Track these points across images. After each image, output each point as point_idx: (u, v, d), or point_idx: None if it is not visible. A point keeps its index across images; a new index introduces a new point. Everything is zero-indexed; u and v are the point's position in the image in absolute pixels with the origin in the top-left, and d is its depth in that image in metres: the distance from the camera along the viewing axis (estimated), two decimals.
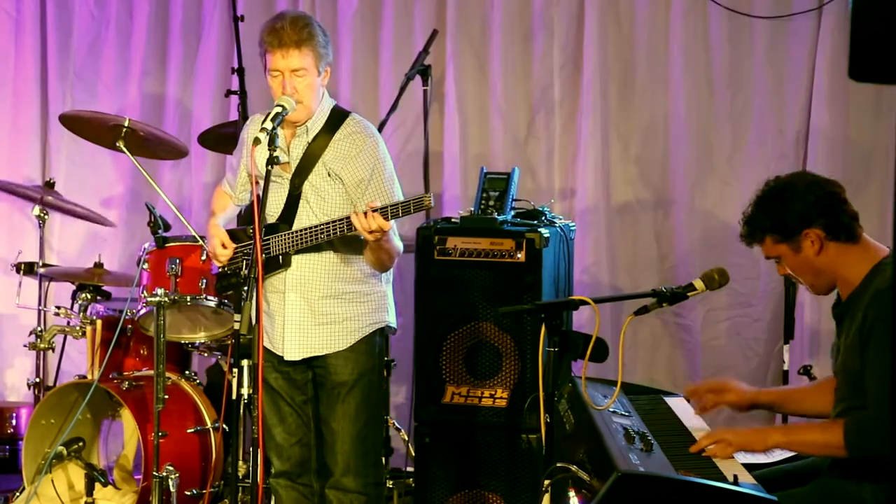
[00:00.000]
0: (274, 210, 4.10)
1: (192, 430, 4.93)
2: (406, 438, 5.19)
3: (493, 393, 4.42)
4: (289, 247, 4.03)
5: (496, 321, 4.40)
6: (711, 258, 5.40)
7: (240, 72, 5.52)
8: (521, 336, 4.37)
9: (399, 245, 4.09)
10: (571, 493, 3.24)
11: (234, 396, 3.60)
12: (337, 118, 4.12)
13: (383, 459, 4.71)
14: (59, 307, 5.27)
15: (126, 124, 4.96)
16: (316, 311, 4.10)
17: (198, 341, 5.03)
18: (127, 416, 4.96)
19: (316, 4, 6.06)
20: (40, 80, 6.48)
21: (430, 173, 5.22)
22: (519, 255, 4.39)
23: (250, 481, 3.82)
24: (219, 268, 4.20)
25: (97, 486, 4.79)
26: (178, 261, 4.69)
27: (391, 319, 4.26)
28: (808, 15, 5.45)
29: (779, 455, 3.66)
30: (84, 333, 5.08)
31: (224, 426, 4.94)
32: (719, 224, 5.60)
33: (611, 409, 3.41)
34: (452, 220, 4.60)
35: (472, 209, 4.59)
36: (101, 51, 6.41)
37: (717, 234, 5.59)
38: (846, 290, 3.34)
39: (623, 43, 5.70)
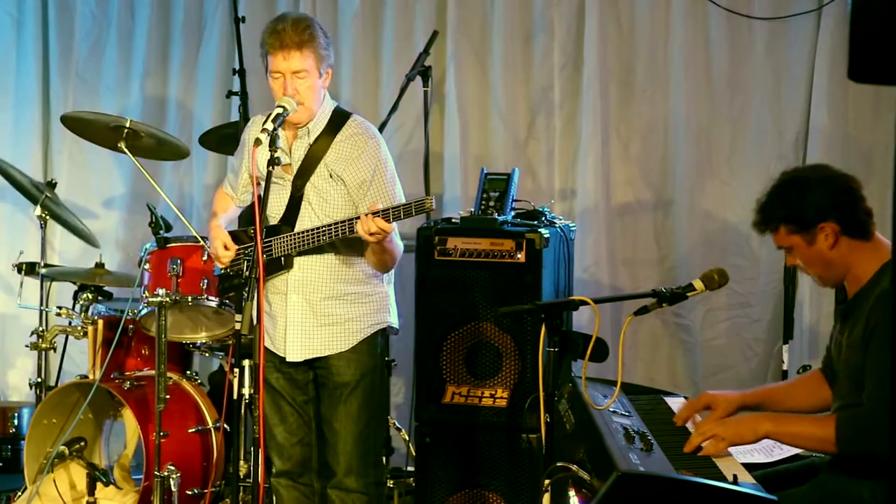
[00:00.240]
0: (276, 211, 4.10)
1: (194, 429, 4.93)
2: (406, 438, 5.19)
3: (493, 393, 4.42)
4: (290, 248, 4.03)
5: (496, 321, 4.40)
6: (711, 258, 5.41)
7: (241, 73, 5.53)
8: (521, 336, 4.38)
9: (400, 246, 4.09)
10: (571, 493, 3.24)
11: (235, 396, 3.61)
12: (338, 119, 4.12)
13: (384, 459, 4.71)
14: (60, 307, 5.27)
15: (127, 125, 4.96)
16: (318, 313, 4.10)
17: (199, 341, 5.03)
18: (128, 416, 4.96)
19: (317, 5, 6.07)
20: (42, 81, 6.48)
21: (431, 174, 5.23)
22: (519, 256, 4.39)
23: (251, 481, 3.81)
24: (221, 269, 4.20)
25: (99, 485, 4.79)
26: (179, 261, 4.69)
27: (393, 320, 4.26)
28: (807, 16, 5.45)
29: (779, 455, 3.66)
30: (85, 333, 5.08)
31: (225, 426, 4.94)
32: (719, 224, 5.60)
33: (611, 409, 3.41)
34: (453, 220, 4.60)
35: (473, 210, 4.59)
36: (103, 52, 6.42)
37: (717, 235, 5.60)
38: (854, 288, 3.34)
39: (623, 44, 5.70)
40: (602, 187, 5.67)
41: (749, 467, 3.28)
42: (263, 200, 3.74)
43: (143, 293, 4.76)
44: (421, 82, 5.13)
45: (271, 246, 4.05)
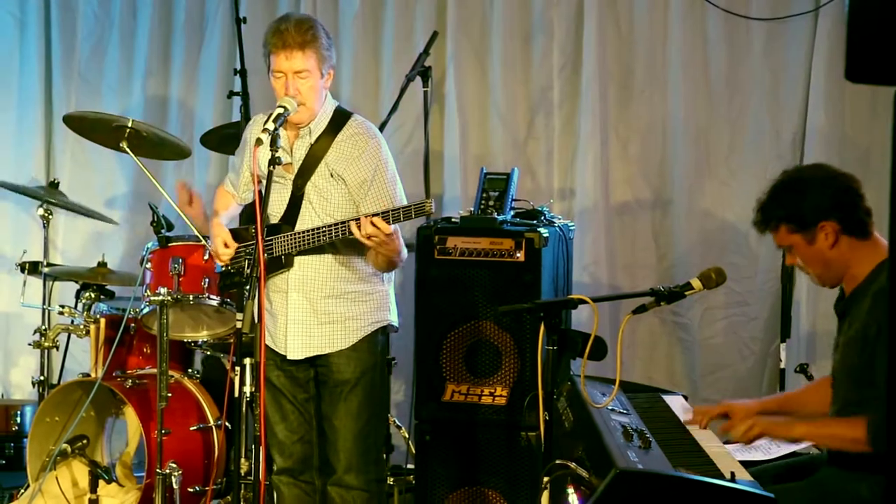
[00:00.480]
0: (276, 210, 4.10)
1: (195, 427, 4.93)
2: (406, 436, 5.20)
3: (492, 391, 4.42)
4: (291, 247, 4.04)
5: (496, 320, 4.40)
6: (709, 258, 5.41)
7: (242, 73, 5.53)
8: (520, 335, 4.38)
9: (403, 248, 4.08)
10: (570, 490, 3.24)
11: (236, 394, 3.61)
12: (340, 119, 4.12)
13: (384, 456, 4.71)
14: (63, 306, 5.27)
15: (129, 125, 4.96)
16: (318, 311, 4.10)
17: (200, 340, 5.03)
18: (130, 414, 4.96)
19: (318, 6, 6.07)
20: (44, 81, 6.48)
21: (431, 173, 5.22)
22: (518, 255, 4.39)
23: (252, 478, 3.82)
24: (222, 266, 4.20)
25: (101, 483, 4.79)
26: (180, 260, 4.69)
27: (393, 318, 4.26)
28: (804, 17, 5.45)
29: (776, 452, 3.66)
30: (88, 332, 5.08)
31: (227, 424, 4.94)
32: (717, 224, 5.60)
33: (609, 407, 3.41)
34: (452, 219, 4.60)
35: (472, 209, 4.59)
36: (105, 52, 6.42)
37: (715, 234, 5.60)
38: (850, 286, 3.34)
39: (622, 44, 5.70)
40: (601, 187, 5.67)
41: (747, 464, 3.29)
42: (264, 199, 3.74)
43: (145, 292, 4.76)
44: (421, 82, 5.13)
45: (272, 245, 4.05)
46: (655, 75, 5.66)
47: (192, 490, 4.80)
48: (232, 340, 4.81)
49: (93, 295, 5.18)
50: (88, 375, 5.03)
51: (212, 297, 4.72)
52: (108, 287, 5.31)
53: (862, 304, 3.25)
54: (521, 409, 4.30)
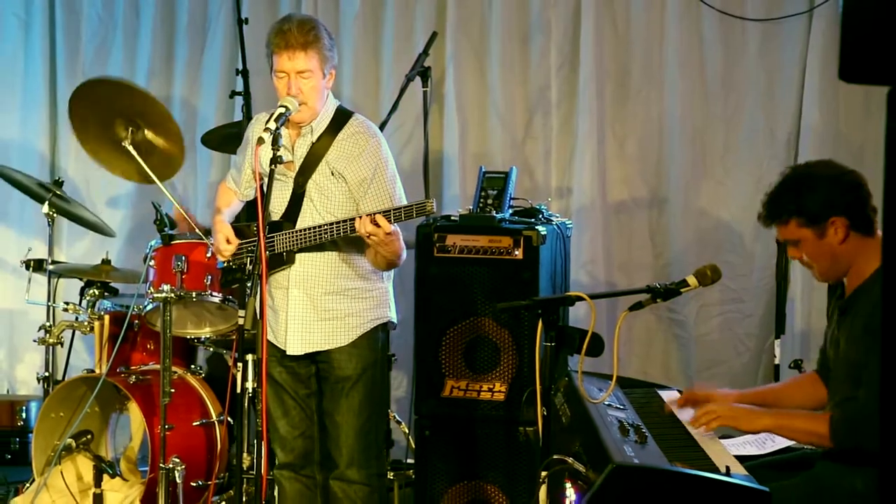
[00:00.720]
0: (278, 207, 4.10)
1: (198, 422, 4.94)
2: (406, 431, 5.20)
3: (491, 387, 4.42)
4: (292, 245, 4.04)
5: (494, 317, 4.40)
6: (704, 255, 5.40)
7: (244, 73, 5.53)
8: (518, 331, 4.37)
9: (403, 250, 4.08)
10: (568, 485, 3.24)
11: (238, 390, 3.61)
12: (341, 119, 4.12)
13: (385, 451, 4.71)
14: (67, 303, 5.27)
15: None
16: (319, 307, 4.10)
17: (203, 336, 5.03)
18: (134, 410, 4.96)
19: (319, 7, 6.06)
20: (49, 82, 6.48)
21: (430, 172, 5.22)
22: (517, 253, 4.39)
23: (255, 473, 3.81)
24: (224, 262, 4.20)
25: (105, 477, 4.79)
26: (183, 258, 4.69)
27: (392, 315, 4.26)
28: (799, 18, 5.45)
29: (771, 447, 3.66)
30: (92, 329, 5.08)
31: (229, 419, 4.94)
32: (712, 222, 5.61)
33: (606, 403, 3.41)
34: (452, 218, 4.59)
35: (471, 207, 4.59)
36: (109, 53, 6.42)
37: (711, 232, 5.60)
38: (854, 283, 3.33)
39: (619, 45, 5.70)
40: (598, 185, 5.67)
41: (742, 459, 3.28)
42: (266, 198, 3.74)
43: (149, 289, 4.76)
44: (420, 82, 5.12)
45: (273, 242, 4.05)
46: (652, 75, 5.66)
47: (194, 484, 4.81)
48: (234, 337, 4.82)
49: (97, 292, 5.19)
50: (93, 371, 5.03)
51: (214, 293, 4.72)
52: (112, 284, 5.31)
53: (866, 301, 3.25)
54: (520, 404, 4.29)
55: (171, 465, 4.57)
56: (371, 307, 4.16)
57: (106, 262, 5.31)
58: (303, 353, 4.12)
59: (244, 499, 3.80)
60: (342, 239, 4.01)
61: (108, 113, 4.92)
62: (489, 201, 4.54)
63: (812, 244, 3.32)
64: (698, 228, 5.62)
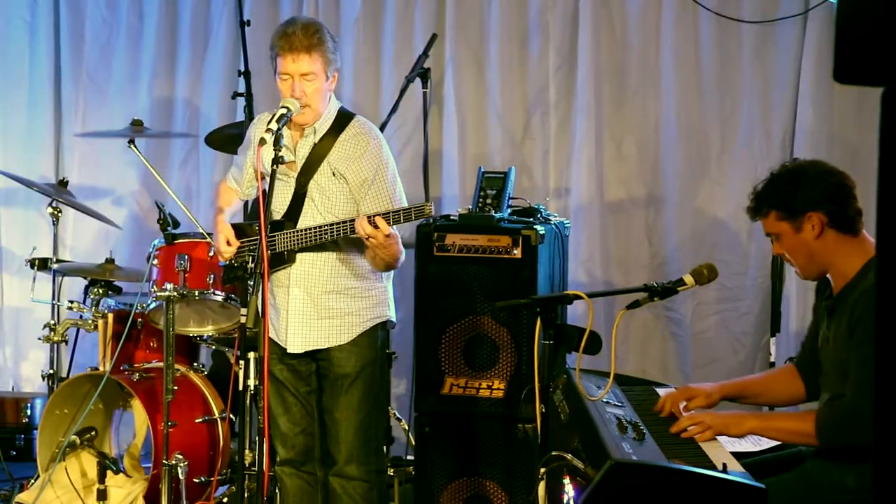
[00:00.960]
0: (280, 207, 4.10)
1: (201, 419, 4.93)
2: (407, 428, 5.19)
3: (490, 384, 4.42)
4: (293, 244, 4.04)
5: (493, 315, 4.40)
6: (701, 254, 5.40)
7: (246, 75, 5.52)
8: (517, 329, 4.37)
9: (402, 253, 4.08)
10: (566, 481, 3.24)
11: (240, 387, 3.61)
12: (343, 120, 4.12)
13: (385, 448, 4.71)
14: (72, 301, 5.27)
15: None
16: (319, 306, 4.10)
17: (206, 334, 5.03)
18: (137, 407, 4.96)
19: (320, 9, 6.06)
20: (54, 82, 6.48)
21: (430, 172, 5.22)
22: (515, 252, 4.38)
23: (256, 469, 3.81)
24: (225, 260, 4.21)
25: (109, 473, 4.78)
26: (186, 257, 4.69)
27: (391, 314, 4.26)
28: (793, 20, 5.45)
29: (766, 444, 3.66)
30: (96, 327, 5.08)
31: (231, 416, 4.94)
32: (709, 221, 5.60)
33: (604, 400, 3.41)
34: (451, 217, 4.59)
35: (471, 207, 4.59)
36: (113, 54, 6.41)
37: (707, 232, 5.60)
38: (839, 283, 3.34)
39: (616, 46, 5.70)
40: (596, 185, 5.67)
41: (738, 456, 3.28)
42: (268, 197, 3.74)
43: (152, 288, 4.76)
44: (420, 84, 5.12)
45: (275, 241, 4.04)
46: (649, 76, 5.66)
47: (197, 480, 4.81)
48: (236, 335, 4.82)
49: (101, 291, 5.18)
50: (97, 369, 5.03)
51: (217, 292, 4.73)
52: (116, 283, 5.30)
53: (850, 301, 3.25)
54: (518, 401, 4.29)
55: (174, 462, 4.57)
56: (371, 306, 4.16)
57: (110, 260, 5.31)
58: (303, 350, 4.12)
59: (246, 495, 3.80)
60: (343, 239, 4.01)
61: None
62: (488, 201, 4.54)
63: (790, 238, 3.34)
64: (694, 228, 5.62)
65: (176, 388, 4.59)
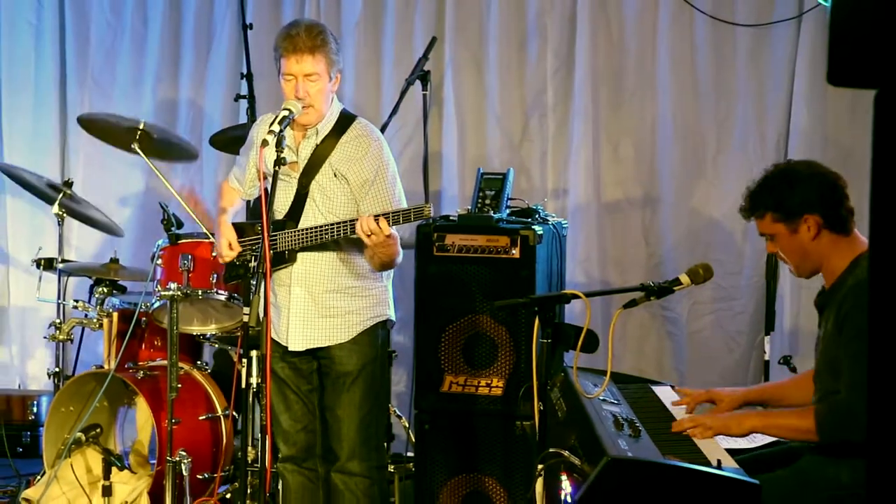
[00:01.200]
0: (282, 207, 4.10)
1: (204, 417, 4.93)
2: (407, 425, 5.19)
3: (489, 382, 4.42)
4: (295, 244, 4.03)
5: (492, 314, 4.40)
6: (696, 254, 5.40)
7: (248, 77, 5.52)
8: (515, 328, 4.37)
9: (399, 253, 4.07)
10: (564, 477, 3.24)
11: (243, 385, 3.60)
12: (344, 122, 4.12)
13: (385, 445, 4.71)
14: (77, 301, 5.26)
15: (141, 127, 4.96)
16: (320, 305, 4.09)
17: (209, 333, 5.03)
18: (142, 404, 4.95)
19: (322, 12, 6.06)
20: (59, 85, 6.48)
21: (430, 173, 5.22)
22: (514, 252, 4.38)
23: (259, 466, 3.81)
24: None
25: (114, 470, 4.78)
26: (190, 257, 4.69)
27: (391, 313, 4.26)
28: (788, 23, 5.45)
29: (761, 441, 3.66)
30: (101, 325, 5.07)
31: (234, 413, 4.94)
32: (704, 222, 5.60)
33: (601, 398, 3.41)
34: (451, 218, 4.59)
35: (470, 208, 4.59)
36: (117, 57, 6.41)
37: (702, 232, 5.60)
38: (829, 281, 3.35)
39: (613, 50, 5.70)
40: (593, 186, 5.67)
41: (733, 452, 3.28)
42: (270, 199, 3.74)
43: (156, 287, 4.76)
44: (420, 86, 5.12)
45: (277, 240, 4.04)
46: (645, 79, 5.66)
47: (201, 477, 4.80)
48: (239, 333, 4.82)
49: (106, 290, 5.18)
50: (102, 367, 5.02)
51: (220, 291, 4.72)
52: (121, 282, 5.30)
53: (838, 298, 3.26)
54: (517, 399, 4.29)
55: (177, 458, 4.56)
56: (371, 305, 4.15)
57: (114, 260, 5.31)
58: (304, 349, 4.12)
59: (249, 491, 3.79)
60: (343, 239, 4.01)
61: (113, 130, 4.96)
62: (487, 202, 4.54)
63: (785, 239, 3.35)
64: (690, 228, 5.62)
65: (180, 385, 4.59)
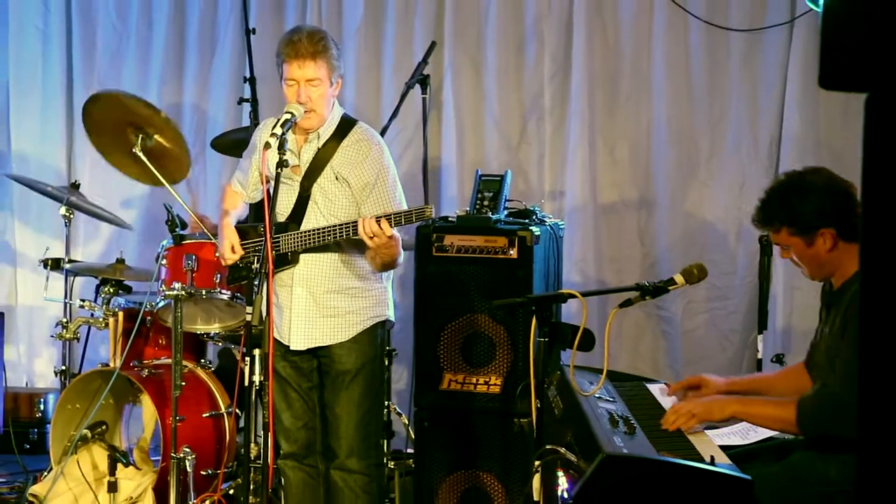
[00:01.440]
0: (284, 209, 4.10)
1: (207, 414, 4.93)
2: (406, 422, 5.19)
3: (487, 380, 4.41)
4: (297, 246, 4.03)
5: (490, 313, 4.40)
6: (691, 255, 5.40)
7: (251, 81, 5.52)
8: (513, 327, 4.37)
9: (401, 254, 4.07)
10: (560, 474, 3.24)
11: (246, 383, 3.60)
12: (345, 126, 4.11)
13: (385, 442, 4.71)
14: (83, 300, 5.27)
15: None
16: (321, 305, 4.09)
17: (212, 332, 5.03)
18: (147, 402, 4.95)
19: (323, 18, 6.06)
20: (66, 88, 6.48)
21: (429, 175, 5.21)
22: (511, 252, 4.38)
23: (261, 462, 3.81)
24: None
25: (119, 466, 4.78)
26: (194, 257, 4.69)
27: (391, 314, 4.25)
28: (780, 28, 5.45)
29: (754, 437, 3.66)
30: (107, 324, 5.07)
31: (237, 411, 4.93)
32: (698, 223, 5.60)
33: (597, 395, 3.41)
34: (449, 219, 4.59)
35: (468, 209, 4.58)
36: (123, 61, 6.41)
37: (697, 233, 5.60)
38: (839, 281, 3.34)
39: (609, 54, 5.70)
40: (589, 188, 5.66)
41: (725, 448, 3.28)
42: (273, 201, 3.73)
43: (161, 287, 4.76)
44: (420, 90, 5.11)
45: (279, 242, 4.04)
46: (640, 82, 5.65)
47: (204, 473, 4.80)
48: (242, 332, 4.81)
49: (111, 290, 5.18)
50: (107, 365, 5.02)
51: (223, 291, 4.72)
52: (126, 282, 5.30)
53: (846, 297, 3.26)
54: (514, 397, 4.29)
55: (181, 455, 4.56)
56: (371, 305, 4.15)
57: (120, 261, 5.31)
58: (305, 348, 4.12)
59: (251, 487, 3.79)
60: (345, 240, 4.01)
61: (117, 123, 4.89)
62: (485, 203, 4.54)
63: (801, 250, 3.33)
64: (685, 229, 5.62)
65: (184, 383, 4.59)
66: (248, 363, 3.58)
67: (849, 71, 1.58)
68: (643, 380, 3.94)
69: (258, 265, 3.64)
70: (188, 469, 4.56)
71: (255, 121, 5.37)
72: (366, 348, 4.14)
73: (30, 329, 6.48)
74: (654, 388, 3.80)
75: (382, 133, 4.74)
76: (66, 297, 5.42)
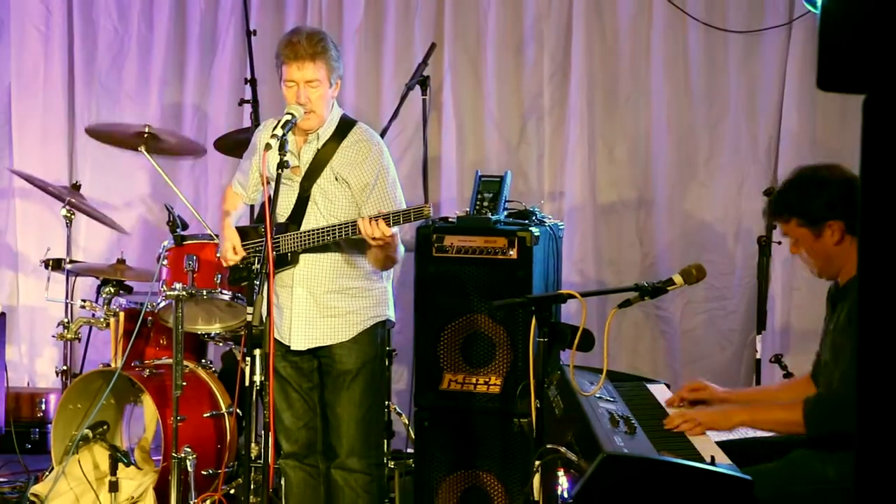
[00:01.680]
0: (284, 210, 4.10)
1: (208, 414, 4.93)
2: (407, 422, 5.19)
3: (487, 380, 4.41)
4: (297, 246, 4.03)
5: (490, 314, 4.40)
6: (690, 255, 5.40)
7: (252, 82, 5.52)
8: (513, 327, 4.37)
9: (401, 250, 4.08)
10: (560, 473, 3.24)
11: (247, 383, 3.60)
12: (345, 126, 4.11)
13: (385, 441, 4.71)
14: (84, 300, 5.27)
15: (147, 131, 4.97)
16: (321, 305, 4.09)
17: (213, 332, 5.03)
18: (148, 402, 4.95)
19: (323, 19, 6.06)
20: (67, 90, 6.48)
21: (429, 176, 5.20)
22: (511, 253, 4.38)
23: (262, 462, 3.81)
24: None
25: (120, 466, 4.78)
26: (194, 257, 4.69)
27: (391, 314, 4.25)
28: (778, 29, 5.45)
29: (753, 435, 3.65)
30: (108, 325, 5.07)
31: (237, 411, 4.93)
32: (697, 223, 5.60)
33: (597, 395, 3.41)
34: (449, 219, 4.59)
35: (468, 210, 4.58)
36: (124, 63, 6.41)
37: (696, 233, 5.60)
38: (845, 279, 3.35)
39: (608, 55, 5.70)
40: (588, 188, 5.66)
41: (724, 443, 3.28)
42: (273, 201, 3.73)
43: (162, 287, 4.76)
44: (420, 91, 5.11)
45: (279, 242, 4.04)
46: (639, 83, 5.65)
47: (205, 473, 4.80)
48: (243, 333, 4.81)
49: (113, 290, 5.18)
50: (108, 365, 5.02)
51: (224, 291, 4.72)
52: (127, 282, 5.30)
53: (852, 294, 3.26)
54: (514, 397, 4.29)
55: (182, 455, 4.56)
56: (371, 305, 4.15)
57: (121, 261, 5.31)
58: (306, 348, 4.12)
59: (252, 486, 3.80)
60: (345, 240, 4.01)
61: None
62: (485, 204, 4.54)
63: (809, 243, 3.34)
64: (683, 229, 5.62)
65: (185, 383, 4.59)
66: (249, 363, 3.58)
67: (847, 72, 1.58)
68: (643, 380, 3.94)
69: (259, 266, 3.64)
70: (189, 469, 4.56)
71: (256, 122, 5.37)
72: (366, 348, 4.14)
73: (31, 329, 6.48)
74: (654, 388, 3.81)
75: (382, 134, 4.73)
76: (67, 297, 5.42)
